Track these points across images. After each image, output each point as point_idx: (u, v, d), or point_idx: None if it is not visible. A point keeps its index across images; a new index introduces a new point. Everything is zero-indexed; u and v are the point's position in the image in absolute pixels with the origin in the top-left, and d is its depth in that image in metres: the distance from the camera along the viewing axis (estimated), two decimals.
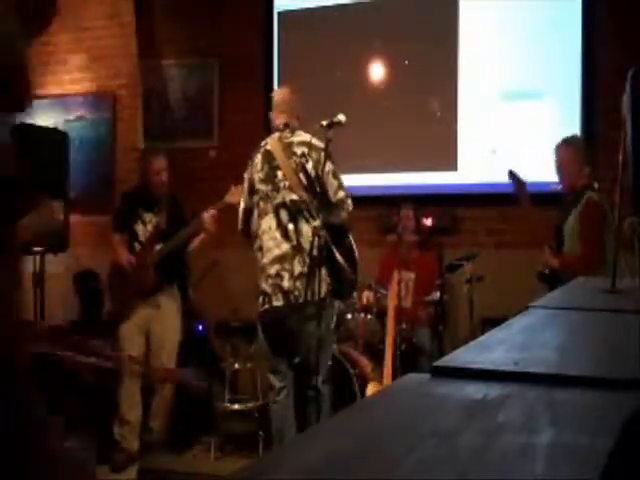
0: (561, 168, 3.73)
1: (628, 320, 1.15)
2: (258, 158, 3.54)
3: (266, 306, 3.38)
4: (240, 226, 3.62)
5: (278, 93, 3.74)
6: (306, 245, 3.32)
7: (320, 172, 3.35)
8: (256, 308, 3.48)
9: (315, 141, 3.46)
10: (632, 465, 0.54)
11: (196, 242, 4.20)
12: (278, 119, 3.57)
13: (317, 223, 3.27)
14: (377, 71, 5.24)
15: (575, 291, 1.89)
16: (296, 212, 3.39)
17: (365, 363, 4.07)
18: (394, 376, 3.68)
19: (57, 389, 3.90)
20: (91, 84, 6.02)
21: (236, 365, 4.71)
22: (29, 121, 5.11)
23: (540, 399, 0.63)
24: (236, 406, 4.58)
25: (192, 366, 4.94)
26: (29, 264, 4.15)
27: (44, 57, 5.93)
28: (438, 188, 4.97)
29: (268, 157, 3.50)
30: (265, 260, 3.40)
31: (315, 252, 3.24)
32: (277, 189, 3.40)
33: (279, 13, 5.48)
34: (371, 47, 5.23)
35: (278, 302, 3.33)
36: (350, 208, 3.42)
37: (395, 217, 4.68)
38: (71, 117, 5.98)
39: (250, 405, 4.56)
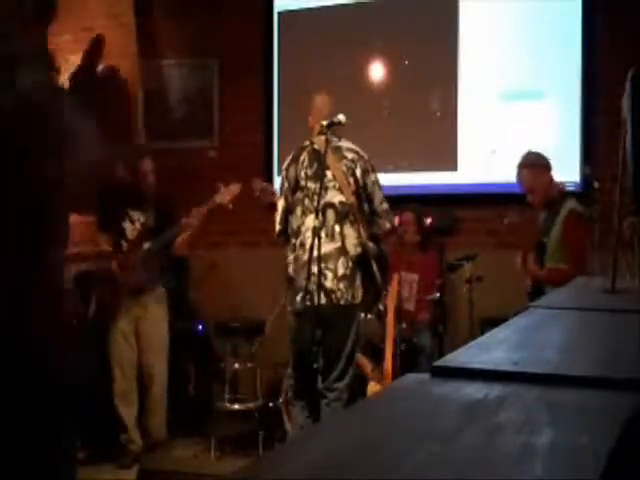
0: (528, 190, 3.69)
1: (628, 320, 1.15)
2: (304, 156, 3.49)
3: (307, 303, 3.29)
4: (279, 227, 3.53)
5: (319, 98, 3.66)
6: (350, 248, 3.35)
7: (367, 181, 3.41)
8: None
9: (361, 150, 3.48)
10: (632, 465, 0.54)
11: (179, 240, 4.15)
12: (319, 123, 3.47)
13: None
14: (377, 71, 5.24)
15: (575, 291, 1.89)
16: (343, 214, 3.37)
17: (365, 363, 4.07)
18: (394, 376, 3.67)
19: None
20: None
21: (236, 365, 4.71)
22: None
23: (540, 399, 0.63)
24: (236, 406, 4.58)
25: (192, 366, 4.94)
26: None
27: None
28: (438, 188, 4.97)
29: (317, 156, 3.43)
30: (307, 257, 3.31)
31: (355, 257, 3.33)
32: (325, 188, 3.33)
33: (279, 13, 5.48)
34: (371, 47, 5.22)
35: (320, 301, 3.25)
36: (393, 220, 3.52)
37: (397, 219, 4.68)
38: None
39: (250, 405, 4.56)
